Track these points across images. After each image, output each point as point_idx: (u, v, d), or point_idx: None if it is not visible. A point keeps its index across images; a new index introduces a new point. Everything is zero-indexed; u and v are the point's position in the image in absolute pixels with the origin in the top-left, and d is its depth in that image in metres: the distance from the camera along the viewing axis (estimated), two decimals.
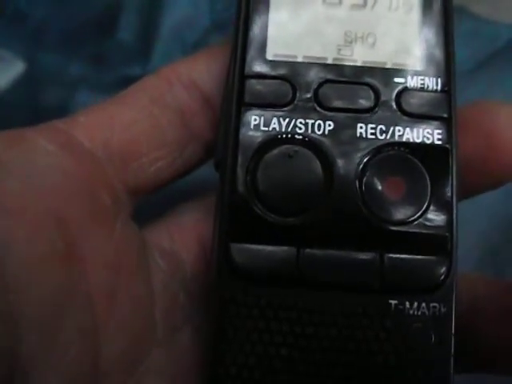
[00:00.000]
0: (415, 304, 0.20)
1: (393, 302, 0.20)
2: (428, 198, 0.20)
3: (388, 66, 0.21)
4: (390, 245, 0.20)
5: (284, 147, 0.21)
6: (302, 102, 0.21)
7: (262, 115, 0.21)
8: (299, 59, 0.21)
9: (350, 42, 0.22)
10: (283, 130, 0.21)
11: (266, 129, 0.21)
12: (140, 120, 0.22)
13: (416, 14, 0.22)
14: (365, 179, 0.20)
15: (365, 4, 0.22)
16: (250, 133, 0.21)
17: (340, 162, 0.20)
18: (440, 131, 0.21)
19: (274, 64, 0.21)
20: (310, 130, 0.21)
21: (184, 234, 0.23)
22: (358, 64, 0.21)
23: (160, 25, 0.40)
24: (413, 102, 0.21)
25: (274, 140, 0.21)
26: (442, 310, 0.20)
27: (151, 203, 0.24)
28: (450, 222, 0.20)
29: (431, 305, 0.20)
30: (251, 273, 0.20)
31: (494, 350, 0.22)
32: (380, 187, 0.20)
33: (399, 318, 0.20)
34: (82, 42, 0.40)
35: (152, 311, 0.22)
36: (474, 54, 0.38)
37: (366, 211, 0.20)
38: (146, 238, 0.23)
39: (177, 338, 0.22)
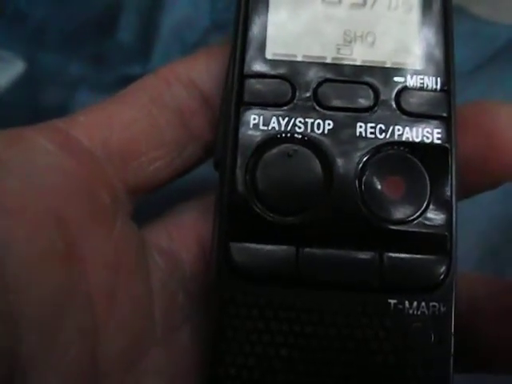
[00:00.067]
0: (415, 303, 0.20)
1: (392, 301, 0.20)
2: (427, 197, 0.20)
3: (387, 66, 0.21)
4: (390, 244, 0.20)
5: (283, 146, 0.21)
6: (302, 102, 0.21)
7: (262, 114, 0.21)
8: (298, 58, 0.21)
9: (350, 42, 0.22)
10: (282, 129, 0.21)
11: (266, 128, 0.21)
12: (139, 119, 0.22)
13: (415, 13, 0.22)
14: (364, 178, 0.20)
15: (364, 3, 0.22)
16: (250, 132, 0.21)
17: (339, 162, 0.20)
18: (439, 130, 0.21)
19: (273, 63, 0.21)
20: (309, 129, 0.21)
21: (183, 234, 0.23)
22: (358, 63, 0.21)
23: (160, 25, 0.40)
24: (412, 102, 0.21)
25: (273, 139, 0.21)
26: (442, 309, 0.20)
27: (150, 202, 0.24)
28: (449, 221, 0.20)
29: (431, 304, 0.20)
30: (251, 272, 0.20)
31: (493, 350, 0.22)
32: (379, 186, 0.20)
33: (399, 317, 0.20)
34: (82, 41, 0.40)
35: (151, 311, 0.22)
36: (473, 54, 0.38)
37: (365, 210, 0.20)
38: (145, 237, 0.23)
39: (176, 337, 0.22)
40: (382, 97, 0.21)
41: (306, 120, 0.21)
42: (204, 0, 0.41)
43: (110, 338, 0.20)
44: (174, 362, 0.22)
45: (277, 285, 0.20)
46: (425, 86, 0.21)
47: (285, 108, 0.21)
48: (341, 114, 0.21)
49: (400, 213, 0.20)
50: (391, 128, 0.21)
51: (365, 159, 0.21)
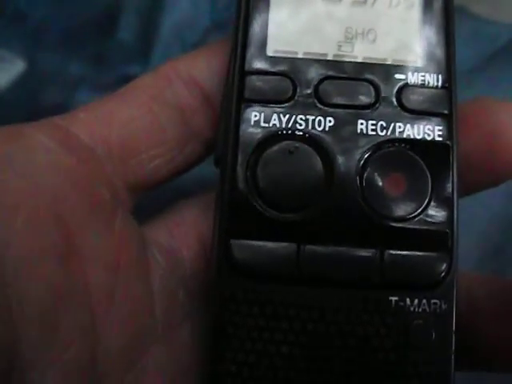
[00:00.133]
0: (416, 301, 0.20)
1: (393, 298, 0.20)
2: (429, 194, 0.20)
3: (388, 63, 0.21)
4: (391, 241, 0.20)
5: (284, 143, 0.21)
6: (303, 98, 0.21)
7: (263, 111, 0.21)
8: (300, 55, 0.21)
9: (351, 39, 0.22)
10: (283, 126, 0.21)
11: (267, 125, 0.21)
12: (139, 117, 0.22)
13: (416, 10, 0.22)
14: (365, 175, 0.20)
15: (365, 0, 0.22)
16: (251, 129, 0.21)
17: (340, 159, 0.20)
18: (441, 127, 0.21)
19: (274, 60, 0.21)
20: (310, 126, 0.21)
21: (183, 231, 0.23)
22: (359, 60, 0.21)
23: (160, 25, 0.40)
24: (413, 99, 0.21)
25: (274, 136, 0.21)
26: (443, 306, 0.20)
27: (151, 200, 0.23)
28: (450, 218, 0.20)
29: (432, 301, 0.20)
30: (251, 269, 0.20)
31: (493, 349, 0.22)
32: (381, 183, 0.20)
33: (400, 314, 0.20)
34: (82, 41, 0.40)
35: (151, 308, 0.22)
36: (474, 54, 0.38)
37: (366, 207, 0.20)
38: (146, 234, 0.22)
39: (176, 335, 0.22)
40: (383, 94, 0.21)
41: (307, 117, 0.21)
42: (204, 0, 0.41)
43: (110, 336, 0.20)
44: (175, 359, 0.22)
45: (278, 282, 0.20)
46: (426, 83, 0.21)
47: (286, 105, 0.21)
48: (342, 111, 0.21)
49: (401, 210, 0.20)
50: (392, 125, 0.21)
51: (366, 156, 0.21)
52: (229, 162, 0.21)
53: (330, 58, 0.21)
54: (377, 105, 0.21)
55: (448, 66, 0.21)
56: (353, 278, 0.20)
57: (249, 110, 0.21)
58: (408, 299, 0.20)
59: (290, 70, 0.21)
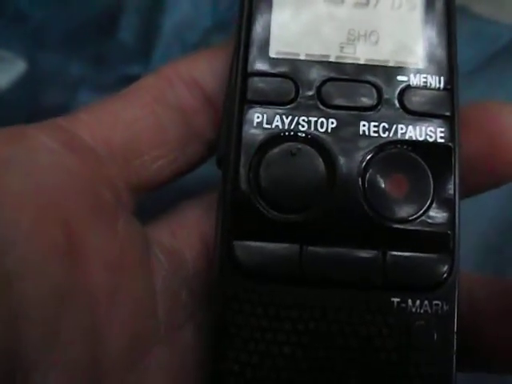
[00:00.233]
0: (417, 302, 0.20)
1: (395, 299, 0.20)
2: (430, 195, 0.20)
3: (391, 64, 0.21)
4: (393, 242, 0.20)
5: (287, 145, 0.21)
6: (305, 100, 0.21)
7: (265, 113, 0.21)
8: (302, 57, 0.21)
9: (353, 40, 0.22)
10: (286, 127, 0.21)
11: (269, 126, 0.21)
12: (142, 118, 0.22)
13: (419, 12, 0.22)
14: (367, 177, 0.20)
15: (367, 2, 0.22)
16: (253, 130, 0.21)
17: (343, 160, 0.20)
18: (443, 129, 0.21)
19: (276, 62, 0.21)
20: (312, 128, 0.21)
21: (186, 231, 0.23)
22: (361, 62, 0.21)
23: (161, 25, 0.40)
24: (415, 100, 0.21)
25: (276, 137, 0.21)
26: (445, 308, 0.20)
27: (153, 200, 0.24)
28: (452, 220, 0.20)
29: (434, 303, 0.20)
30: (254, 270, 0.20)
31: (493, 350, 0.22)
32: (383, 185, 0.20)
33: (402, 315, 0.20)
34: (83, 42, 0.40)
35: (154, 309, 0.22)
36: (475, 54, 0.38)
37: (368, 209, 0.20)
38: (148, 235, 0.22)
39: (179, 335, 0.22)
40: (386, 95, 0.21)
41: (310, 118, 0.21)
42: (205, 1, 0.41)
43: (113, 336, 0.20)
44: (178, 359, 0.22)
45: (280, 283, 0.20)
46: (428, 84, 0.21)
47: (288, 106, 0.21)
48: (344, 113, 0.21)
49: (403, 211, 0.20)
50: (394, 127, 0.21)
51: (368, 158, 0.21)
52: (231, 163, 0.21)
53: (332, 59, 0.21)
54: (379, 106, 0.21)
55: (450, 67, 0.21)
56: (355, 279, 0.20)
57: (251, 111, 0.21)
58: (410, 300, 0.20)
59: (293, 72, 0.21)
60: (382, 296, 0.20)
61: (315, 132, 0.21)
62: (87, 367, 0.20)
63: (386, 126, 0.21)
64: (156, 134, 0.22)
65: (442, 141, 0.21)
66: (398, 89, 0.21)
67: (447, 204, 0.20)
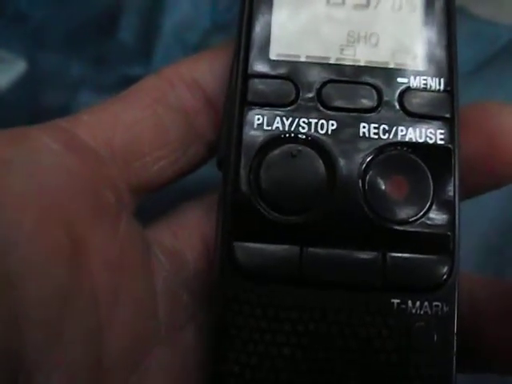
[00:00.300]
0: (418, 303, 0.20)
1: (395, 300, 0.20)
2: (430, 197, 0.20)
3: (391, 66, 0.21)
4: (393, 244, 0.20)
5: (287, 146, 0.21)
6: (305, 102, 0.21)
7: (265, 114, 0.21)
8: (302, 59, 0.21)
9: (353, 42, 0.22)
10: (286, 129, 0.21)
11: (269, 128, 0.21)
12: (143, 119, 0.22)
13: (419, 14, 0.22)
14: (367, 178, 0.20)
15: (367, 4, 0.22)
16: (253, 132, 0.21)
17: (343, 162, 0.21)
18: (442, 131, 0.21)
19: (276, 64, 0.21)
20: (313, 130, 0.21)
21: (187, 233, 0.23)
22: (361, 64, 0.21)
23: (161, 25, 0.40)
24: (415, 102, 0.21)
25: (277, 139, 0.21)
26: (445, 309, 0.20)
27: (154, 201, 0.24)
28: (452, 221, 0.20)
29: (434, 304, 0.20)
30: (254, 271, 0.20)
31: (494, 351, 0.22)
32: (383, 187, 0.20)
33: (402, 316, 0.20)
34: (83, 42, 0.40)
35: (155, 310, 0.22)
36: (474, 55, 0.38)
37: (368, 210, 0.20)
38: (149, 236, 0.23)
39: (180, 336, 0.22)
40: (386, 97, 0.21)
41: (310, 120, 0.21)
42: (204, 1, 0.41)
43: (114, 337, 0.20)
44: (179, 360, 0.22)
45: (280, 284, 0.20)
46: (428, 86, 0.21)
47: (288, 108, 0.21)
48: (344, 115, 0.21)
49: (403, 213, 0.20)
50: (394, 128, 0.21)
51: (368, 159, 0.21)
52: (232, 165, 0.21)
53: (332, 61, 0.21)
54: (379, 108, 0.21)
55: (450, 69, 0.21)
56: (355, 281, 0.20)
57: (252, 113, 0.21)
58: (410, 301, 0.20)
59: (293, 74, 0.21)
60: (382, 297, 0.20)
61: (315, 134, 0.21)
62: (89, 368, 0.20)
63: (386, 127, 0.21)
64: (157, 135, 0.22)
65: (442, 142, 0.21)
66: (398, 91, 0.21)
67: (447, 205, 0.20)
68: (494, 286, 0.23)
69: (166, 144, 0.22)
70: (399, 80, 0.21)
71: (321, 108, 0.21)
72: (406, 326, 0.20)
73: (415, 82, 0.21)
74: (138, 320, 0.21)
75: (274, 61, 0.21)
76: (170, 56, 0.39)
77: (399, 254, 0.20)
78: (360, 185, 0.20)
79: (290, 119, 0.21)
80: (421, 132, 0.21)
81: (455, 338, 0.20)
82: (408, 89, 0.21)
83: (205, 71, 0.23)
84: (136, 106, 0.23)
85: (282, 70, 0.21)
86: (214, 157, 0.23)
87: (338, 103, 0.21)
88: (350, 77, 0.21)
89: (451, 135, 0.21)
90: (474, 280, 0.23)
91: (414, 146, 0.21)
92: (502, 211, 0.34)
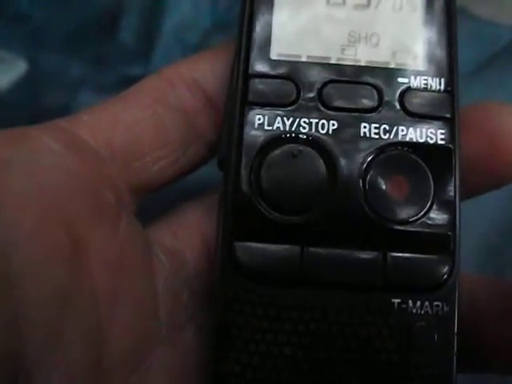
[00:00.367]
0: (418, 303, 0.20)
1: (396, 300, 0.20)
2: (431, 197, 0.20)
3: (391, 66, 0.21)
4: (393, 244, 0.20)
5: (288, 146, 0.21)
6: (306, 102, 0.21)
7: (266, 114, 0.21)
8: (303, 59, 0.21)
9: (354, 42, 0.22)
10: (287, 129, 0.21)
11: (270, 128, 0.21)
12: (143, 119, 0.22)
13: (419, 14, 0.22)
14: (368, 178, 0.20)
15: (368, 4, 0.22)
16: (254, 132, 0.21)
17: (344, 162, 0.21)
18: (443, 131, 0.21)
19: (277, 63, 0.21)
20: (313, 130, 0.21)
21: (187, 233, 0.23)
22: (362, 64, 0.21)
23: (161, 26, 0.40)
24: (416, 102, 0.21)
25: (277, 139, 0.21)
26: (445, 309, 0.20)
27: (154, 201, 0.24)
28: (452, 221, 0.20)
29: (434, 304, 0.20)
30: (255, 271, 0.20)
31: (494, 351, 0.22)
32: (383, 186, 0.20)
33: (402, 316, 0.20)
34: (83, 42, 0.40)
35: (155, 310, 0.22)
36: (475, 55, 0.38)
37: (369, 210, 0.20)
38: (150, 236, 0.23)
39: (181, 336, 0.22)
40: (386, 97, 0.21)
41: (311, 120, 0.21)
42: (205, 1, 0.41)
43: (115, 337, 0.20)
44: (179, 360, 0.22)
45: (281, 284, 0.20)
46: (428, 86, 0.21)
47: (289, 108, 0.21)
48: (345, 115, 0.21)
49: (404, 213, 0.20)
50: (395, 128, 0.21)
51: (369, 159, 0.21)
52: (232, 165, 0.21)
53: (333, 61, 0.21)
54: (380, 108, 0.21)
55: (450, 69, 0.21)
56: (355, 281, 0.20)
57: (252, 112, 0.21)
58: (410, 301, 0.20)
59: (294, 74, 0.21)
60: (382, 297, 0.20)
61: (316, 134, 0.21)
62: (89, 368, 0.20)
63: (387, 127, 0.21)
64: (157, 135, 0.22)
65: (443, 142, 0.21)
66: (399, 91, 0.21)
67: (448, 205, 0.21)
68: (494, 286, 0.23)
69: (166, 144, 0.22)
70: (400, 80, 0.21)
71: (321, 108, 0.21)
72: (406, 326, 0.20)
73: (416, 82, 0.21)
74: (139, 320, 0.21)
75: (274, 61, 0.21)
76: (170, 56, 0.39)
77: (400, 254, 0.20)
78: (361, 185, 0.20)
79: (291, 119, 0.21)
80: (421, 132, 0.21)
81: (455, 337, 0.20)
82: (408, 89, 0.21)
83: (205, 71, 0.23)
84: (136, 106, 0.23)
85: (282, 70, 0.21)
86: (214, 157, 0.23)
87: (339, 103, 0.21)
88: (350, 77, 0.21)
89: (452, 135, 0.21)
90: (474, 280, 0.23)
91: (414, 146, 0.21)
92: (502, 211, 0.34)
